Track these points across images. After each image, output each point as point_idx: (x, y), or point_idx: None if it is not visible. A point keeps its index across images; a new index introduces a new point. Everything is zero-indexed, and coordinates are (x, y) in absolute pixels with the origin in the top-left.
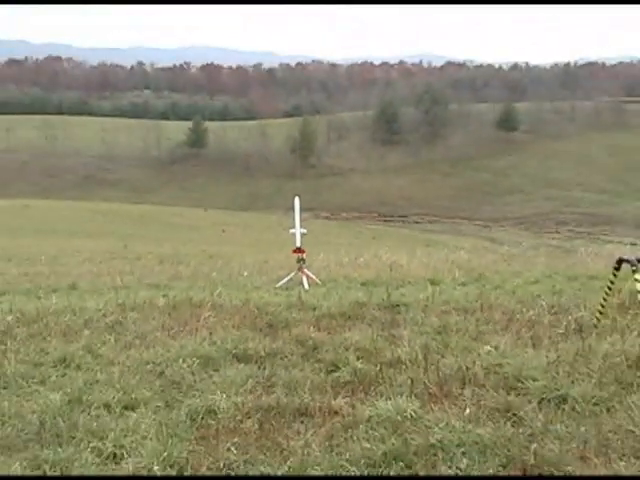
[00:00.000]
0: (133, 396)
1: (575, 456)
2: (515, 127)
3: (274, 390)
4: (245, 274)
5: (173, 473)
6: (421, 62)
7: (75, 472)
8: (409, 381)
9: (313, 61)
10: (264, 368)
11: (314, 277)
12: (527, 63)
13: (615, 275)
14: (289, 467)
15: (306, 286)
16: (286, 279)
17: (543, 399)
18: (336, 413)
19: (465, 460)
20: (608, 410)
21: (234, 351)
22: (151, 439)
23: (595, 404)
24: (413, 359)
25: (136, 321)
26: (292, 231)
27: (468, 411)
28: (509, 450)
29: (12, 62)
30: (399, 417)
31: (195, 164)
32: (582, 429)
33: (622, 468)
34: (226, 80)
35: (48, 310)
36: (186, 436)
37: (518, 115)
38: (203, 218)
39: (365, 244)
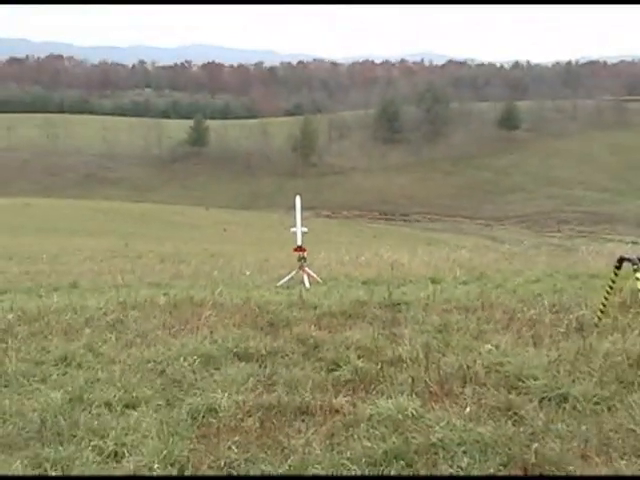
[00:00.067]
0: (134, 395)
1: (576, 455)
2: (516, 126)
3: (275, 389)
4: (247, 273)
5: (174, 472)
6: (422, 61)
7: (76, 471)
8: (410, 380)
9: (314, 60)
10: (265, 367)
11: (315, 276)
12: (528, 62)
13: (616, 274)
14: (290, 465)
15: (307, 285)
16: (287, 278)
17: (544, 398)
18: (337, 412)
19: (466, 459)
20: (609, 409)
21: (235, 350)
22: (152, 438)
23: (596, 403)
24: (414, 358)
25: (137, 320)
26: (293, 230)
27: (469, 410)
28: (510, 449)
29: (13, 60)
30: (400, 416)
31: (196, 163)
32: (583, 428)
33: (623, 467)
34: (227, 79)
35: (49, 308)
36: (187, 435)
37: (519, 114)
38: (204, 217)
39: (366, 243)
